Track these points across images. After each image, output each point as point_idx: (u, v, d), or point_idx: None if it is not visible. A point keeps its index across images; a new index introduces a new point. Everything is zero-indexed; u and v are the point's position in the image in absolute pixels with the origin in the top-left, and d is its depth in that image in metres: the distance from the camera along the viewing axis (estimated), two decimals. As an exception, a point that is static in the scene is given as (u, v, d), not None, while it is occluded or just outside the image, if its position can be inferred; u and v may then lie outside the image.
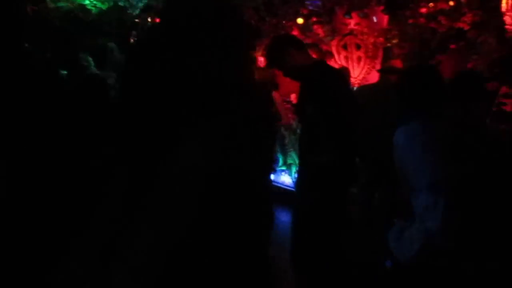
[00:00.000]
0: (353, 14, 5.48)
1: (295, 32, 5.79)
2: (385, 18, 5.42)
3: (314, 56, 4.72)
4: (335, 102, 2.45)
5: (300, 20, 5.66)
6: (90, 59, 4.63)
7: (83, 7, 5.15)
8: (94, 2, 5.03)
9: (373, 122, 3.12)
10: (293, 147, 5.20)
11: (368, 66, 5.65)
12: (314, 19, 5.64)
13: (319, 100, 2.48)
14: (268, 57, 2.76)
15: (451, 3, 4.57)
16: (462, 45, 4.76)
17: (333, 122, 2.42)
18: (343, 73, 3.70)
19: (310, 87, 2.54)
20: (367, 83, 5.57)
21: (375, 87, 4.26)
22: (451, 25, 4.72)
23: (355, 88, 5.31)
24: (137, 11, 4.73)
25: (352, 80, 5.50)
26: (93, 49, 4.94)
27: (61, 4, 5.03)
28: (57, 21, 5.37)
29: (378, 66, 5.52)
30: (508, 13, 3.89)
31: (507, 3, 3.88)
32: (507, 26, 3.96)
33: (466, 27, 4.58)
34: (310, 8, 5.15)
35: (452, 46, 4.86)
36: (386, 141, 1.99)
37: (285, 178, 5.36)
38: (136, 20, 5.69)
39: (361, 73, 5.76)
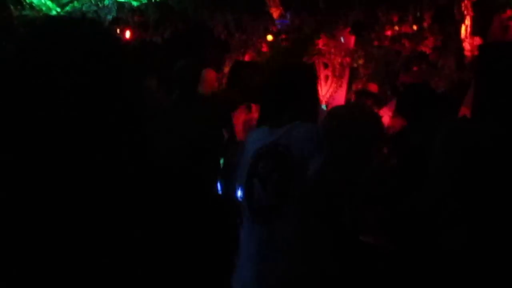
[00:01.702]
0: (321, 35, 5.61)
1: (264, 49, 5.86)
2: (352, 39, 5.57)
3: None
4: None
5: (269, 37, 5.74)
6: None
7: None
8: (62, 13, 4.95)
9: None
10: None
11: (335, 85, 5.78)
12: (284, 36, 5.73)
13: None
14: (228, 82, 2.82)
15: (414, 27, 4.76)
16: (424, 67, 4.95)
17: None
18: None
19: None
20: (333, 101, 5.69)
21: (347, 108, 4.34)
22: (414, 48, 4.91)
23: (324, 107, 5.42)
24: (105, 24, 4.69)
25: (320, 98, 5.60)
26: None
27: (26, 12, 4.92)
28: (21, 29, 5.20)
29: (345, 85, 5.65)
30: (466, 40, 4.10)
31: (466, 30, 4.08)
32: (465, 52, 4.17)
33: (428, 51, 4.78)
34: (279, 27, 5.24)
35: (415, 68, 5.04)
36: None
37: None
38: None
39: (328, 91, 5.88)
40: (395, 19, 4.96)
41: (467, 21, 4.08)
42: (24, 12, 4.85)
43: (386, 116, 5.02)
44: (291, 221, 1.78)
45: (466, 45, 4.13)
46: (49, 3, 4.90)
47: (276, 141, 1.84)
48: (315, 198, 1.77)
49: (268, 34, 5.72)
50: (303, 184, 1.76)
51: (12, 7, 4.84)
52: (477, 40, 4.09)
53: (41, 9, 4.94)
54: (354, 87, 5.61)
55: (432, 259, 1.72)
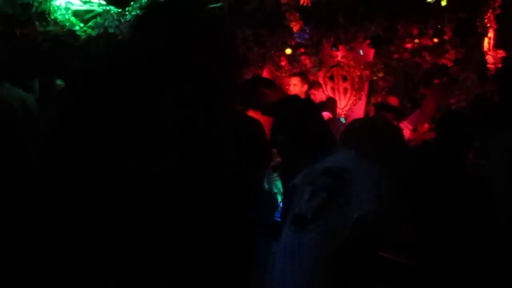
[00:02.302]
0: (340, 47, 5.60)
1: (282, 63, 5.87)
2: (371, 52, 5.55)
3: (305, 83, 4.80)
4: (304, 128, 2.55)
5: (288, 51, 5.75)
6: (60, 82, 4.59)
7: (72, 32, 5.17)
8: (85, 28, 5.06)
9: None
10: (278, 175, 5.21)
11: (354, 98, 5.75)
12: (302, 50, 5.74)
13: (289, 128, 2.58)
14: (243, 99, 2.90)
15: (435, 40, 4.71)
16: (445, 81, 4.89)
17: (303, 146, 2.50)
18: (313, 102, 3.82)
19: (280, 118, 2.64)
20: (352, 114, 5.64)
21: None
22: (434, 61, 4.86)
23: (342, 120, 5.38)
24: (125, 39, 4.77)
25: (339, 111, 5.57)
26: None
27: (50, 28, 5.04)
28: (46, 45, 5.36)
29: (364, 98, 5.60)
30: (490, 53, 4.04)
31: (489, 43, 4.02)
32: (488, 65, 4.10)
33: (449, 64, 4.72)
34: (298, 40, 5.24)
35: (436, 81, 4.98)
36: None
37: (271, 207, 5.33)
38: (125, 45, 5.70)
39: (347, 104, 5.85)
40: (415, 31, 4.92)
41: (490, 33, 4.02)
42: (48, 28, 4.97)
43: (406, 129, 4.96)
44: (316, 242, 1.78)
45: (489, 58, 4.06)
46: (73, 19, 5.01)
47: (345, 168, 1.88)
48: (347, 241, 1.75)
49: (286, 48, 5.74)
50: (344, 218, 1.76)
51: (37, 23, 4.97)
52: (501, 53, 4.01)
53: (65, 25, 5.06)
54: (373, 100, 5.56)
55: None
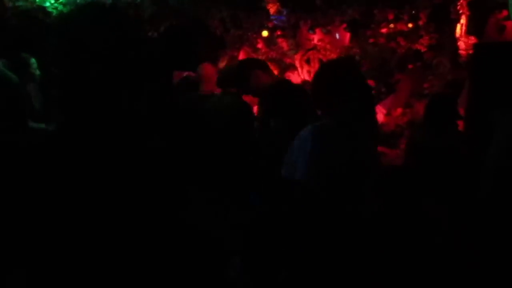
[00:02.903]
0: (317, 30, 5.60)
1: (259, 45, 5.84)
2: (347, 36, 5.57)
3: (276, 69, 4.79)
4: (298, 114, 2.53)
5: (265, 33, 5.72)
6: (34, 60, 4.45)
7: (43, 8, 5.00)
8: (56, 4, 4.90)
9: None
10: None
11: (330, 81, 5.78)
12: (279, 32, 5.72)
13: (283, 114, 2.56)
14: (235, 81, 2.85)
15: (410, 25, 4.76)
16: (419, 66, 4.96)
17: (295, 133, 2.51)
18: (305, 88, 3.80)
19: (274, 102, 2.62)
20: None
21: None
22: (409, 46, 4.92)
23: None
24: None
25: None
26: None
27: (19, 3, 4.86)
28: (14, 20, 5.18)
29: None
30: (461, 39, 4.11)
31: (461, 29, 4.09)
32: (460, 51, 4.18)
33: (423, 49, 4.79)
34: (275, 22, 5.22)
35: (410, 66, 5.05)
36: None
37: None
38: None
39: (323, 88, 5.87)
40: (391, 17, 4.96)
41: (463, 20, 4.09)
42: (17, 3, 4.80)
43: (380, 113, 5.03)
44: None
45: (461, 44, 4.14)
46: (44, -5, 4.86)
47: None
48: None
49: (263, 30, 5.70)
50: None
51: (5, -3, 4.81)
52: (472, 40, 4.10)
53: (35, 1, 4.89)
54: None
55: None
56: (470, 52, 4.07)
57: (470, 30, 4.11)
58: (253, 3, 5.09)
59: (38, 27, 5.24)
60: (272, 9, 4.53)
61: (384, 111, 5.20)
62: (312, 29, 5.57)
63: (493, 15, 4.16)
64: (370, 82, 5.44)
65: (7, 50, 4.38)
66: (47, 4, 4.87)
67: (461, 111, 3.55)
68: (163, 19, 5.41)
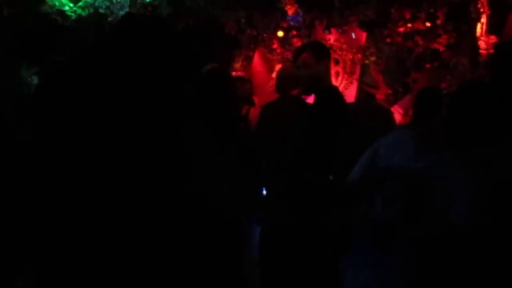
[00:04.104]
0: (332, 30, 5.58)
1: (274, 45, 5.84)
2: (363, 36, 5.54)
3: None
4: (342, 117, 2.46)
5: (280, 33, 5.71)
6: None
7: (62, 12, 5.07)
8: (74, 8, 4.96)
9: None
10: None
11: (346, 82, 5.75)
12: (294, 32, 5.70)
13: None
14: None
15: (428, 24, 4.71)
16: (437, 65, 4.91)
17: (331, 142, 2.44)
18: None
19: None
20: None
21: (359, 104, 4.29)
22: (426, 45, 4.87)
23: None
24: (118, 19, 4.69)
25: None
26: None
27: (38, 7, 4.93)
28: (32, 24, 5.25)
29: (355, 82, 5.61)
30: (482, 38, 4.05)
31: (481, 28, 4.03)
32: (481, 50, 4.12)
33: (441, 48, 4.73)
34: (291, 23, 5.21)
35: (427, 65, 5.00)
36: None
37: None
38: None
39: (339, 87, 5.85)
40: (408, 15, 4.91)
41: (483, 19, 4.04)
42: (37, 8, 4.87)
43: (397, 113, 5.00)
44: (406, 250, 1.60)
45: (482, 43, 4.08)
46: (63, -1, 4.92)
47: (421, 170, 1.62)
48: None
49: (278, 30, 5.70)
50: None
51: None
52: (493, 39, 4.04)
53: (54, 4, 4.95)
54: (365, 84, 5.58)
55: None
56: (491, 51, 4.02)
57: (491, 29, 4.06)
58: (268, 3, 5.09)
59: (58, 31, 5.32)
60: (290, 10, 4.52)
61: (401, 111, 5.16)
62: (327, 29, 5.55)
63: (513, 14, 4.10)
64: (386, 82, 5.41)
65: (28, 56, 4.46)
66: (66, 8, 4.93)
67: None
68: (180, 19, 5.44)
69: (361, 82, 4.22)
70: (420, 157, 1.65)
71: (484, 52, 4.10)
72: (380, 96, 4.68)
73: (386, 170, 1.72)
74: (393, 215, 1.64)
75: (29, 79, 4.61)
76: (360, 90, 4.29)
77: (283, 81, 3.06)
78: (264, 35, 5.72)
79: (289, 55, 5.88)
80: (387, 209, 1.67)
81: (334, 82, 5.87)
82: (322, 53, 2.57)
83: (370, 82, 4.03)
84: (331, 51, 5.82)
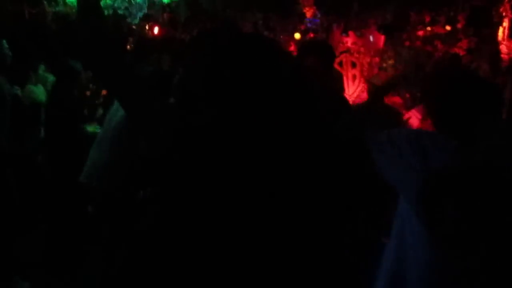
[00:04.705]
0: (350, 33, 5.54)
1: (292, 48, 5.83)
2: (382, 39, 5.48)
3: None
4: None
5: (297, 36, 5.70)
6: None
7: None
8: (94, 9, 4.98)
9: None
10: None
11: (363, 85, 5.70)
12: (311, 35, 5.69)
13: None
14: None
15: (448, 28, 4.65)
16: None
17: None
18: None
19: None
20: (361, 101, 5.62)
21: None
22: (446, 49, 4.80)
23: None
24: (136, 21, 4.74)
25: (347, 97, 5.55)
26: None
27: (59, 8, 5.00)
28: (53, 25, 5.33)
29: (373, 86, 5.56)
30: (504, 42, 3.98)
31: (503, 32, 3.96)
32: (502, 55, 4.05)
33: (462, 53, 4.66)
34: (309, 25, 5.20)
35: (447, 70, 4.93)
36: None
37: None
38: (133, 26, 5.69)
39: (356, 91, 5.80)
40: (428, 19, 4.85)
41: (505, 23, 3.96)
42: (57, 8, 4.95)
43: (415, 118, 4.93)
44: None
45: (503, 48, 4.01)
46: (82, 0, 4.94)
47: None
48: None
49: (296, 33, 5.69)
50: None
51: (46, 3, 4.95)
52: (515, 43, 3.97)
53: (74, 6, 5.02)
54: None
55: None
56: (513, 56, 3.95)
57: (512, 33, 3.99)
58: (286, 6, 5.09)
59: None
60: (308, 12, 4.50)
61: (419, 116, 5.09)
62: (345, 32, 5.52)
63: (537, 18, 4.02)
64: (404, 87, 5.35)
65: (49, 55, 4.53)
66: (86, 9, 4.96)
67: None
68: (197, 22, 5.48)
69: (368, 83, 4.18)
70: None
71: (506, 56, 4.02)
72: (397, 99, 4.63)
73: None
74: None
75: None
76: (368, 92, 4.23)
77: None
78: (281, 37, 5.72)
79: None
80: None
81: (351, 85, 5.83)
82: (330, 59, 2.38)
83: (379, 83, 3.98)
84: (348, 54, 5.81)
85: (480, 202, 1.37)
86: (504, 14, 3.94)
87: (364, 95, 5.85)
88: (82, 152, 3.70)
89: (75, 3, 4.61)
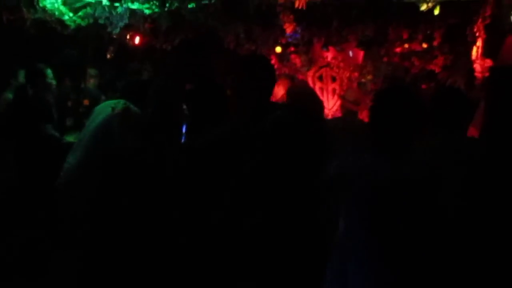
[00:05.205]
0: (330, 48, 5.62)
1: (272, 61, 5.87)
2: (361, 54, 5.58)
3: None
4: None
5: (278, 49, 5.74)
6: (49, 71, 4.55)
7: (61, 21, 5.08)
8: (74, 18, 4.97)
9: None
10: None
11: (342, 99, 5.78)
12: (292, 49, 5.74)
13: None
14: None
15: (424, 45, 4.76)
16: (433, 86, 4.95)
17: None
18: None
19: None
20: (340, 115, 5.68)
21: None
22: (423, 66, 4.91)
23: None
24: (117, 30, 4.71)
25: (326, 111, 5.61)
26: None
27: (38, 15, 4.93)
28: (32, 31, 5.26)
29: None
30: (477, 61, 4.09)
31: (477, 51, 4.07)
32: (476, 73, 4.16)
33: (437, 70, 4.77)
34: (289, 40, 5.25)
35: (423, 86, 5.04)
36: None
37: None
38: (114, 36, 5.64)
39: (335, 105, 5.88)
40: (405, 36, 4.96)
41: (479, 42, 4.07)
42: (36, 16, 4.86)
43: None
44: None
45: (477, 67, 4.10)
46: (62, 8, 4.89)
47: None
48: None
49: (277, 46, 5.74)
50: None
51: (25, 9, 4.86)
52: (488, 62, 4.07)
53: (54, 13, 4.95)
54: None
55: None
56: (486, 74, 4.05)
57: (486, 52, 4.10)
58: (267, 19, 5.13)
59: (56, 39, 5.33)
60: (288, 29, 4.54)
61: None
62: (325, 46, 5.60)
63: (509, 38, 4.14)
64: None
65: (26, 63, 4.46)
66: (66, 17, 4.94)
67: (475, 132, 3.53)
68: (179, 32, 5.47)
69: (343, 98, 4.24)
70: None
71: (479, 75, 4.14)
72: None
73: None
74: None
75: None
76: (342, 107, 4.28)
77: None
78: (263, 50, 5.76)
79: (286, 70, 5.90)
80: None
81: (331, 99, 5.89)
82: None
83: (352, 99, 4.04)
84: (328, 68, 5.87)
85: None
86: (477, 34, 4.06)
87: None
88: (47, 154, 3.71)
89: (55, 11, 4.54)
